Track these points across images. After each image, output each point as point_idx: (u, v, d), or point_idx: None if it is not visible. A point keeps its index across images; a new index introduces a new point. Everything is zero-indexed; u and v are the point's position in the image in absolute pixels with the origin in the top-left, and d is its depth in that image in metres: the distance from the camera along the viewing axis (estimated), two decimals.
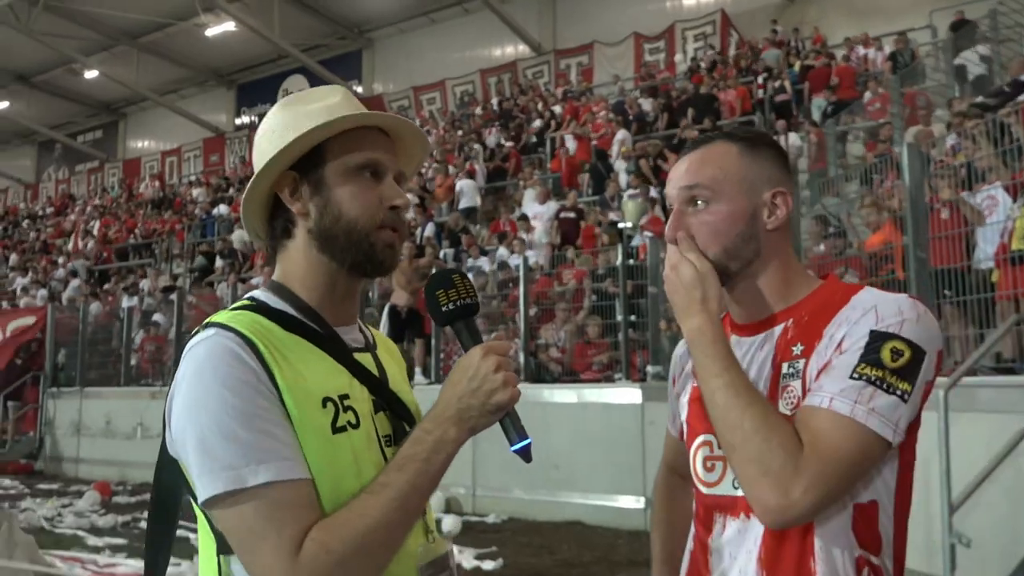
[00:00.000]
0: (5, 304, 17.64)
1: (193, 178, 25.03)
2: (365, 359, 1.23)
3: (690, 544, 1.40)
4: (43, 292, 17.67)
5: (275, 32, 21.49)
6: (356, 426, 1.13)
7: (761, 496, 1.12)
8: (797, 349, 1.25)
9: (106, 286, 17.42)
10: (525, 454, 1.09)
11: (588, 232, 11.22)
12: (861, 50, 14.32)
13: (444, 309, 1.14)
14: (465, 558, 6.15)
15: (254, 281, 13.09)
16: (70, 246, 20.73)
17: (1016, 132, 6.39)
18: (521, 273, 9.11)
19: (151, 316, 13.59)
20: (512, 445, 1.09)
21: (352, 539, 1.01)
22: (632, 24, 20.08)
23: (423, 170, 16.38)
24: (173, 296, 13.21)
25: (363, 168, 1.20)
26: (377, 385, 1.21)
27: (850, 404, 1.12)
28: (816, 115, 12.74)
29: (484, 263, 11.08)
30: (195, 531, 1.16)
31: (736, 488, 1.26)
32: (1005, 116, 6.72)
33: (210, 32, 22.64)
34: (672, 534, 1.60)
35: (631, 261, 8.73)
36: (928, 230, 5.67)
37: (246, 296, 1.22)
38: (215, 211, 18.94)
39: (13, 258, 21.75)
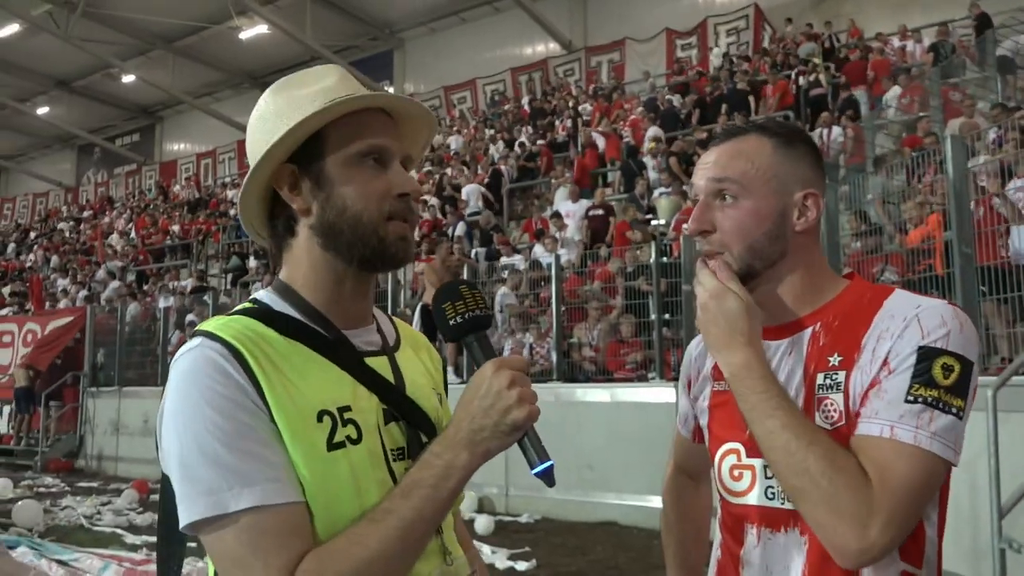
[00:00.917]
0: (47, 305, 17.99)
1: (228, 179, 25.36)
2: (379, 363, 1.13)
3: (716, 553, 1.35)
4: (83, 293, 17.99)
5: (307, 34, 21.64)
6: (357, 441, 1.03)
7: (838, 540, 1.07)
8: (834, 359, 1.19)
9: (144, 287, 17.68)
10: (547, 477, 1.00)
11: (620, 230, 11.12)
12: (896, 42, 14.03)
13: (452, 323, 1.05)
14: (498, 558, 6.11)
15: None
16: (106, 248, 21.06)
17: None
18: (553, 272, 9.05)
19: (186, 316, 13.76)
20: (533, 468, 1.00)
21: (347, 571, 0.93)
22: (664, 20, 19.91)
23: (450, 171, 16.41)
24: (207, 296, 13.36)
25: (367, 155, 1.10)
26: (390, 393, 1.11)
27: (912, 431, 1.08)
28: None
29: (517, 260, 11.04)
30: None
31: (771, 499, 1.22)
32: None
33: (243, 35, 22.89)
34: (684, 538, 1.58)
35: (664, 259, 8.63)
36: (972, 224, 5.52)
37: (249, 298, 1.15)
38: None
39: (54, 260, 22.17)
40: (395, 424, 1.10)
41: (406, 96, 1.19)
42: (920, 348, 1.11)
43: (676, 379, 7.82)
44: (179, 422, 0.97)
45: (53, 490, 10.66)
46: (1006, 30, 12.10)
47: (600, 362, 8.82)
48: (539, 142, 16.17)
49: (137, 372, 13.72)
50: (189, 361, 0.99)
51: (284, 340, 1.05)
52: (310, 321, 1.09)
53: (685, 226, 9.72)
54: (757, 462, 1.24)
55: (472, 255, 12.02)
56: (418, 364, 1.24)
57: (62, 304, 17.53)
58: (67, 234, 25.06)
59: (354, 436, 1.03)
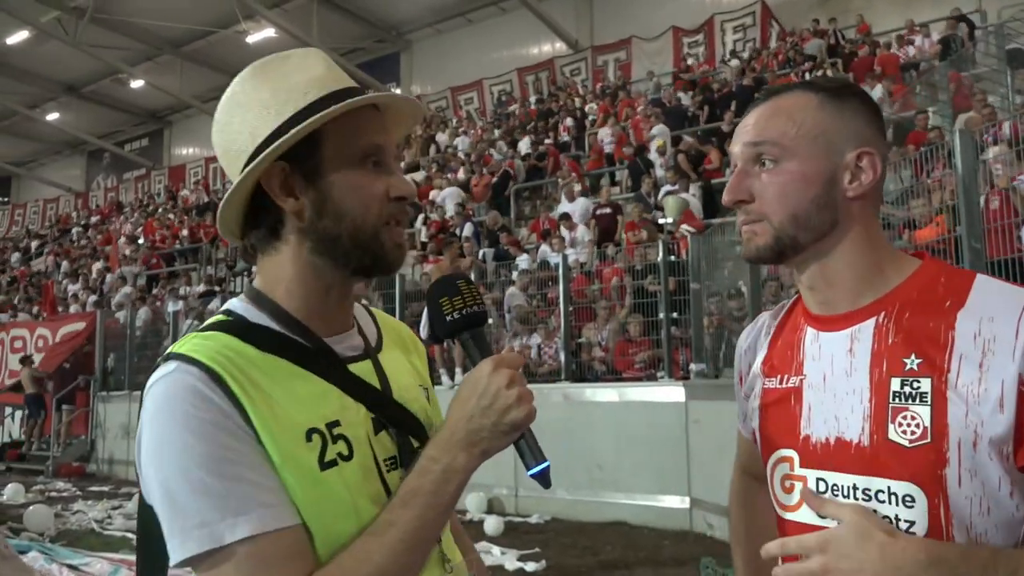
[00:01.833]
0: (59, 310, 18.09)
1: None
2: (363, 369, 1.07)
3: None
4: (93, 298, 18.08)
5: (314, 37, 21.68)
6: (349, 457, 0.98)
7: None
8: (911, 362, 1.02)
9: (154, 291, 17.76)
10: (544, 479, 0.97)
11: (628, 228, 11.08)
12: (896, 47, 13.94)
13: (449, 319, 1.01)
14: (508, 559, 6.10)
15: None
16: (111, 254, 21.15)
17: None
18: (561, 271, 9.03)
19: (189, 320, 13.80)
20: (529, 470, 0.97)
21: None
22: (670, 18, 19.87)
23: (461, 171, 16.40)
24: (215, 301, 13.39)
25: (367, 157, 1.03)
26: (377, 400, 1.05)
27: None
28: None
29: (524, 261, 11.02)
30: None
31: (823, 518, 1.06)
32: None
33: (251, 39, 22.94)
34: (754, 546, 1.38)
35: (672, 257, 8.59)
36: (982, 220, 5.47)
37: (222, 309, 1.07)
38: None
39: (65, 265, 22.30)
40: (385, 432, 1.05)
41: (404, 96, 1.14)
42: None
43: (685, 378, 7.79)
44: (161, 453, 0.91)
45: (65, 494, 10.70)
46: (1017, 23, 12.02)
47: (609, 362, 8.79)
48: (546, 141, 16.14)
49: (147, 376, 13.47)
50: (165, 388, 0.94)
51: (263, 356, 0.99)
52: (290, 332, 1.03)
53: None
54: (811, 473, 1.10)
55: (479, 256, 12.00)
56: (403, 362, 1.18)
57: (72, 309, 17.62)
58: (76, 240, 25.18)
59: (345, 452, 0.98)
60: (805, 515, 1.10)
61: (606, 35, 21.19)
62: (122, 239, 22.43)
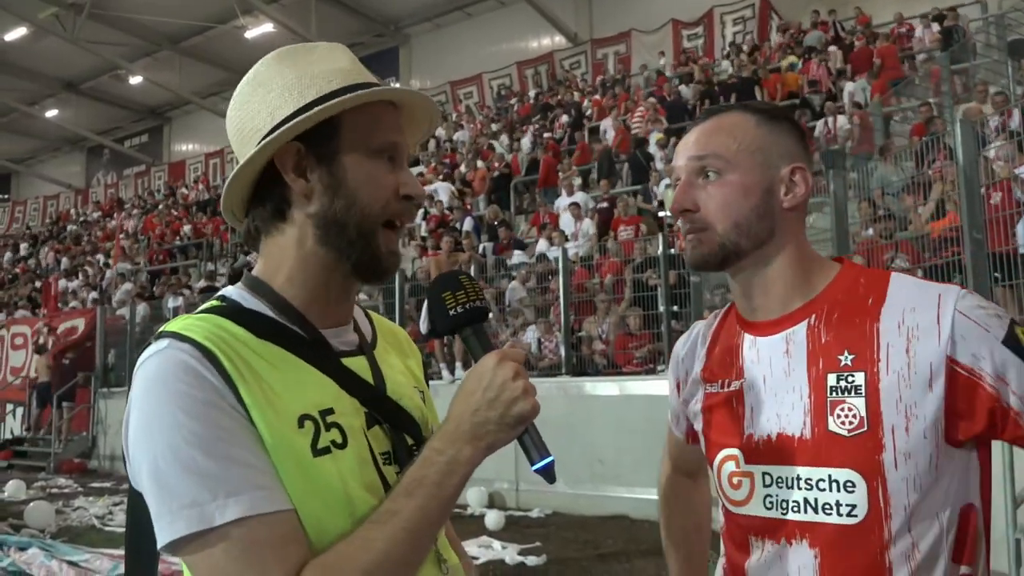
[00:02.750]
0: (60, 306, 18.09)
1: None
2: (357, 364, 1.05)
3: (722, 561, 1.29)
4: (93, 295, 18.07)
5: (312, 32, 21.62)
6: (343, 445, 0.96)
7: None
8: (845, 358, 1.11)
9: (155, 288, 17.74)
10: (548, 474, 0.96)
11: (629, 222, 11.05)
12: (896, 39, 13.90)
13: (452, 313, 1.00)
14: (509, 553, 6.09)
15: None
16: (114, 251, 21.16)
17: None
18: (560, 265, 9.01)
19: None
20: (533, 464, 0.96)
21: None
22: (670, 11, 19.81)
23: (462, 164, 16.37)
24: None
25: (384, 152, 1.04)
26: (371, 395, 1.04)
27: None
28: (860, 98, 12.39)
29: (519, 255, 11.00)
30: None
31: (769, 508, 1.15)
32: None
33: (249, 34, 22.89)
34: (686, 539, 1.51)
35: (672, 251, 8.57)
36: (984, 211, 5.45)
37: (216, 295, 1.06)
38: None
39: (65, 262, 22.29)
40: (378, 427, 1.03)
41: (426, 95, 1.13)
42: (1003, 341, 1.06)
43: None
44: (150, 432, 0.89)
45: (66, 491, 10.70)
46: (1018, 14, 11.97)
47: (609, 355, 8.78)
48: (545, 135, 16.10)
49: None
50: (156, 364, 0.91)
51: (257, 340, 0.97)
52: (286, 320, 1.02)
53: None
54: (756, 469, 1.17)
55: (479, 250, 11.98)
56: (397, 362, 1.17)
57: (72, 305, 17.62)
58: (77, 236, 25.17)
59: (339, 440, 0.96)
60: (754, 508, 1.17)
61: (605, 28, 21.13)
62: (122, 235, 22.43)
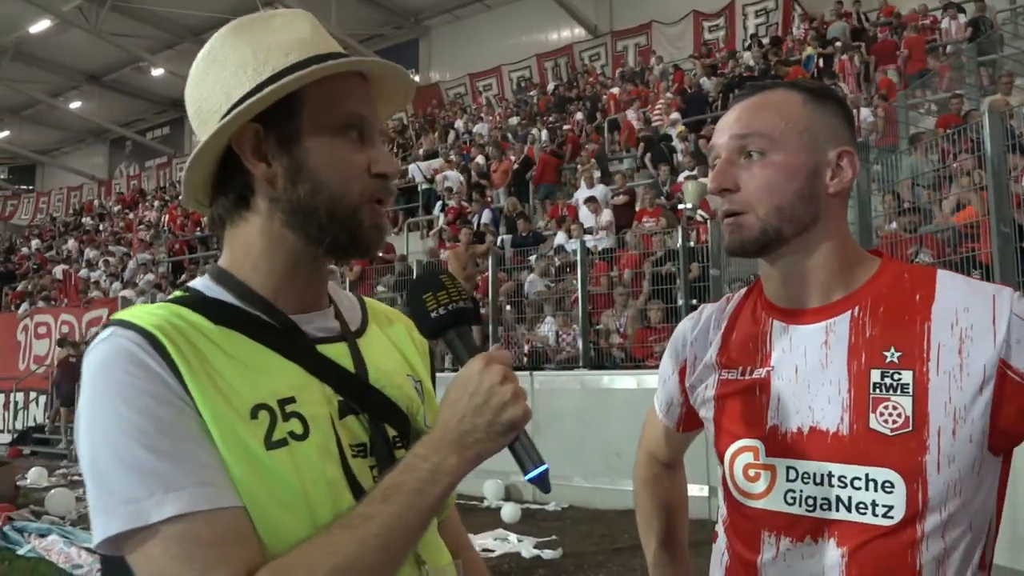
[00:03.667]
0: (82, 296, 18.28)
1: None
2: (335, 351, 0.99)
3: (723, 557, 1.23)
4: (116, 285, 18.23)
5: (332, 23, 21.63)
6: (303, 436, 0.90)
7: None
8: (891, 355, 1.06)
9: (180, 279, 17.87)
10: (543, 483, 0.89)
11: (652, 214, 10.96)
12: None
13: (434, 315, 0.94)
14: (525, 547, 6.08)
15: None
16: (134, 241, 21.33)
17: None
18: (579, 258, 8.96)
19: None
20: (527, 474, 0.90)
21: None
22: (691, 2, 19.61)
23: (480, 157, 16.33)
24: None
25: (349, 127, 0.96)
26: (345, 382, 0.97)
27: None
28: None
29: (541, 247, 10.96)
30: None
31: (791, 504, 1.10)
32: None
33: None
34: (668, 514, 1.48)
35: (691, 243, 8.50)
36: (1012, 204, 5.35)
37: (182, 286, 1.02)
38: None
39: (88, 252, 22.52)
40: (354, 417, 0.97)
41: (392, 64, 1.06)
42: None
43: None
44: (91, 424, 0.84)
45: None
46: None
47: (628, 349, 8.73)
48: (564, 128, 16.03)
49: None
50: (100, 354, 0.86)
51: (216, 328, 0.92)
52: (249, 307, 0.96)
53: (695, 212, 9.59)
54: (779, 462, 1.12)
55: (498, 242, 11.94)
56: (389, 349, 1.10)
57: (93, 295, 17.79)
58: (100, 228, 25.42)
59: (299, 431, 0.90)
60: (773, 503, 1.12)
61: (625, 20, 20.98)
62: (141, 227, 22.62)
